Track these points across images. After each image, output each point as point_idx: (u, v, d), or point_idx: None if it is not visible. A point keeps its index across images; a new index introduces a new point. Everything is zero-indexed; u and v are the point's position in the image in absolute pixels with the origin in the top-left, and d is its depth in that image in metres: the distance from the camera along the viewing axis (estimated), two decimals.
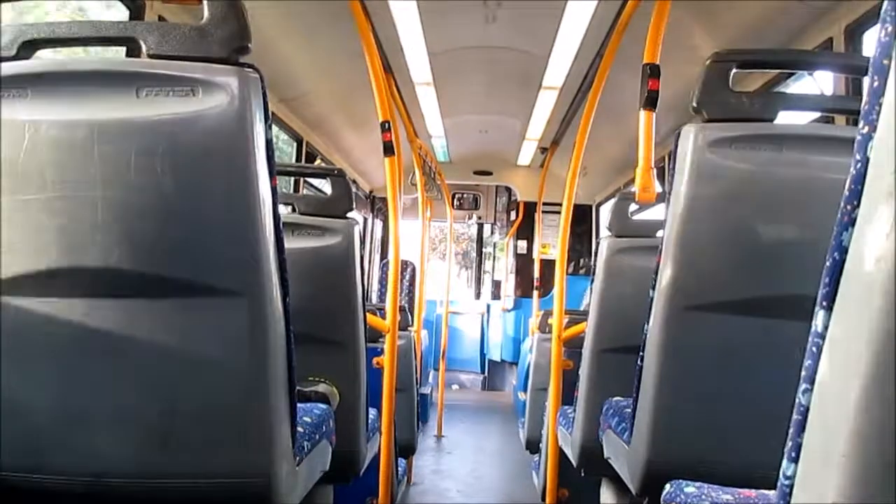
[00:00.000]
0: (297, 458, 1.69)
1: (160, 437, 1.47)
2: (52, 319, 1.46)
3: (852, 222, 0.72)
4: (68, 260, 1.42)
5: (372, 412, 2.78)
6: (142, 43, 1.42)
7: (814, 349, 0.75)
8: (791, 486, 0.77)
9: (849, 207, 0.73)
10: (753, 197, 1.70)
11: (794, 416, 0.77)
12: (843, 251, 0.73)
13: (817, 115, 2.64)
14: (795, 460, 0.76)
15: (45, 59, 1.49)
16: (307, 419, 1.92)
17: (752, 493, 1.36)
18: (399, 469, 3.71)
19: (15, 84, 1.39)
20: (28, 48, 1.44)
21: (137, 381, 1.47)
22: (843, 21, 2.69)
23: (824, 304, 0.74)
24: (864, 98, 0.72)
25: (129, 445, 1.49)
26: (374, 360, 3.03)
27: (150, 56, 1.42)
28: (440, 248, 11.42)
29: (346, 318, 2.54)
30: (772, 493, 1.33)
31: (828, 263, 0.75)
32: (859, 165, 0.72)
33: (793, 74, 3.16)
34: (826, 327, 0.74)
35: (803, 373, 0.77)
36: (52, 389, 1.48)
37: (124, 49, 2.12)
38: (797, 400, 0.77)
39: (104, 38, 1.48)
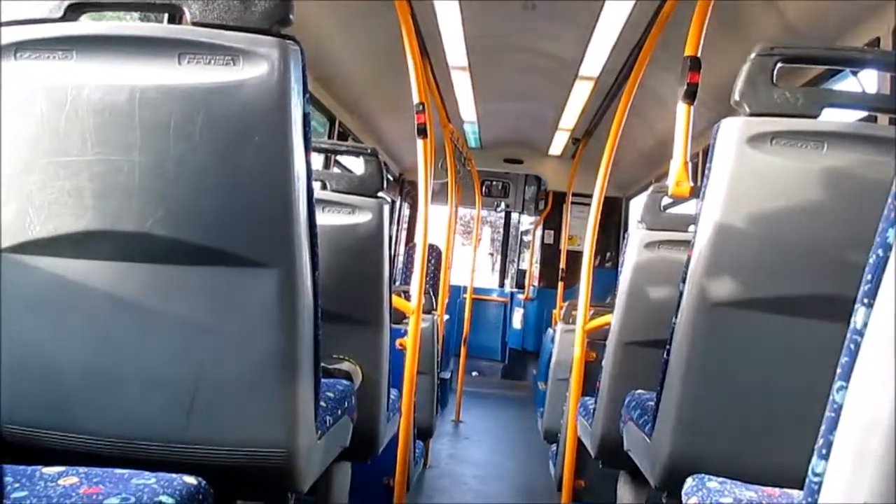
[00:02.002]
0: (319, 433, 1.71)
1: (185, 402, 1.48)
2: (86, 281, 1.48)
3: None
4: (105, 223, 1.44)
5: (393, 393, 2.79)
6: (185, 10, 1.43)
7: (851, 346, 0.74)
8: (820, 484, 0.76)
9: (895, 205, 0.72)
10: (792, 194, 1.68)
11: (827, 414, 0.76)
12: (888, 248, 0.71)
13: (860, 115, 2.59)
14: (826, 458, 0.75)
15: (90, 22, 1.50)
16: (330, 394, 1.94)
17: (776, 490, 1.35)
18: (416, 451, 3.73)
19: (61, 46, 1.40)
20: (74, 10, 1.45)
21: (166, 346, 1.49)
22: (891, 21, 2.64)
23: (865, 301, 0.73)
24: None
25: (155, 409, 1.50)
26: (398, 341, 3.04)
27: (193, 24, 1.42)
28: (472, 233, 11.40)
29: (372, 297, 2.55)
30: (795, 492, 1.32)
31: (871, 260, 0.73)
32: None
33: (837, 73, 3.10)
34: (866, 324, 0.72)
35: (839, 370, 0.75)
36: (82, 350, 1.50)
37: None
38: (831, 397, 0.76)
39: (149, 3, 1.49)
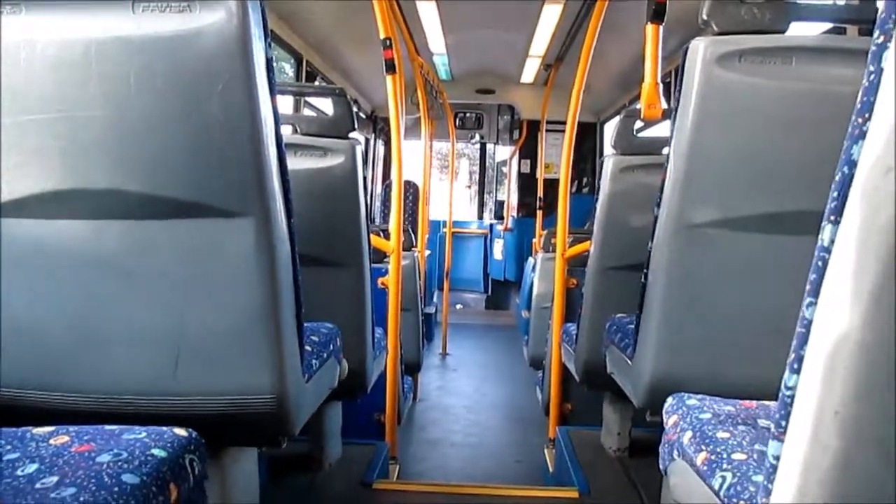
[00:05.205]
0: (306, 376, 1.73)
1: (171, 355, 1.49)
2: (63, 241, 1.46)
3: (863, 135, 0.71)
4: (72, 182, 1.41)
5: (378, 331, 2.82)
6: None
7: (819, 263, 0.75)
8: (793, 397, 0.78)
9: (860, 120, 0.72)
10: (762, 111, 1.68)
11: (798, 329, 0.78)
12: (853, 165, 0.72)
13: (829, 26, 2.58)
14: (798, 372, 0.77)
15: None
16: (314, 338, 1.95)
17: (754, 403, 1.39)
18: (405, 386, 3.79)
19: (8, 0, 1.35)
20: None
21: (148, 300, 1.49)
22: None
23: (832, 218, 0.74)
24: (881, 6, 0.70)
25: (141, 364, 1.51)
26: (379, 280, 3.05)
27: None
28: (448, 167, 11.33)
29: (350, 238, 2.55)
30: (772, 403, 1.36)
31: (837, 177, 0.74)
32: (873, 77, 0.70)
33: None
34: (833, 241, 0.73)
35: (808, 286, 0.77)
36: (62, 310, 1.50)
37: None
38: (801, 313, 0.78)
39: None
